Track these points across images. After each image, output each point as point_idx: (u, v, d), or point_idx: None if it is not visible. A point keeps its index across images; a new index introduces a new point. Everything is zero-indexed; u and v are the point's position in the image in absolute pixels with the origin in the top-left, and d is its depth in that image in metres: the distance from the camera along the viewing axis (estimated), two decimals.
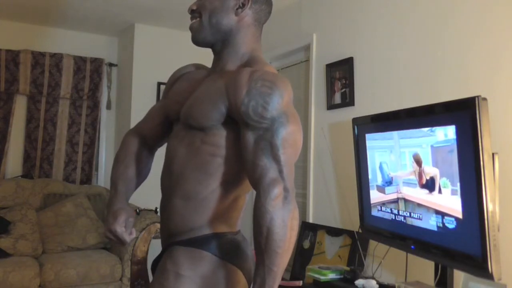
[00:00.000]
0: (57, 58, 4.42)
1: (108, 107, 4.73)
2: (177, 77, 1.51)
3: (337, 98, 3.19)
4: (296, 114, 1.22)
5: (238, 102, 1.19)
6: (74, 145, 4.51)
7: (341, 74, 3.16)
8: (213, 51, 1.38)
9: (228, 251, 1.27)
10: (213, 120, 1.24)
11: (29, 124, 4.35)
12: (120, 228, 1.32)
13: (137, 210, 3.72)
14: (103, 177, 4.72)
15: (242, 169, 1.23)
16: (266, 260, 1.11)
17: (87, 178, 4.56)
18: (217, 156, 1.26)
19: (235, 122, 1.23)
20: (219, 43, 1.34)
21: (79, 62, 4.52)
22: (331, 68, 3.24)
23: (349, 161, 2.90)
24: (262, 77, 1.19)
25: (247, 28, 1.33)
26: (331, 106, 3.24)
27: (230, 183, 1.28)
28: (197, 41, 1.35)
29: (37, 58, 4.34)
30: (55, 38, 4.50)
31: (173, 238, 1.31)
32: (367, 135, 2.43)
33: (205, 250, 1.25)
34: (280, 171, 1.15)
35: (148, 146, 1.55)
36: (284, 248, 1.11)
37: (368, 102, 2.94)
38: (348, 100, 3.09)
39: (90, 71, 4.57)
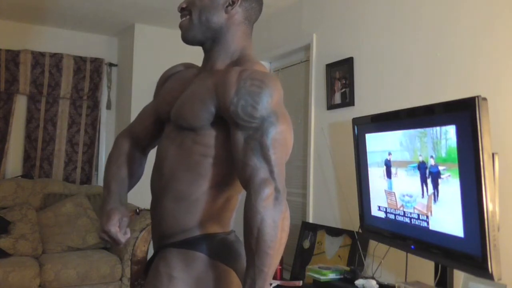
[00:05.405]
0: (57, 58, 4.43)
1: (108, 107, 4.73)
2: (167, 77, 1.50)
3: (337, 98, 3.19)
4: (286, 114, 1.21)
5: (227, 102, 1.18)
6: (74, 145, 4.51)
7: (341, 74, 3.16)
8: (203, 49, 1.37)
9: (221, 251, 1.27)
10: (203, 120, 1.23)
11: (29, 124, 4.35)
12: (114, 228, 1.30)
13: (137, 210, 3.72)
14: (103, 177, 4.71)
15: (234, 169, 1.22)
16: (257, 261, 1.10)
17: (87, 178, 4.56)
18: (208, 156, 1.25)
19: (226, 122, 1.21)
20: (209, 41, 1.33)
21: (79, 62, 4.52)
22: (331, 68, 3.24)
23: (349, 161, 2.90)
24: (251, 76, 1.18)
25: (237, 26, 1.32)
26: (331, 106, 3.24)
27: (222, 184, 1.27)
28: (187, 39, 1.34)
29: (37, 58, 4.34)
30: (55, 38, 4.50)
31: (165, 240, 1.30)
32: (367, 135, 2.43)
33: (198, 251, 1.24)
34: (271, 171, 1.13)
35: (140, 147, 1.54)
36: (275, 249, 1.10)
37: (368, 102, 2.94)
38: (348, 100, 3.09)
39: (90, 71, 4.58)
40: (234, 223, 1.37)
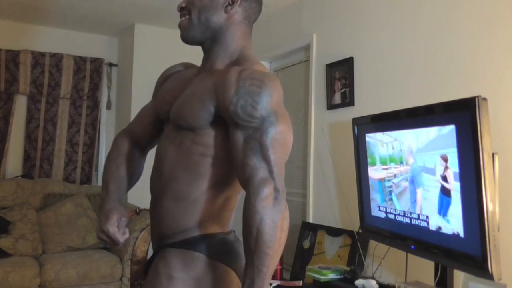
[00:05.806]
0: (57, 58, 4.43)
1: (108, 107, 4.73)
2: (166, 77, 1.50)
3: (337, 98, 3.19)
4: (286, 113, 1.20)
5: (226, 102, 1.17)
6: (74, 145, 4.51)
7: (341, 74, 3.16)
8: (203, 49, 1.37)
9: (220, 251, 1.26)
10: (202, 120, 1.23)
11: (29, 124, 4.35)
12: (112, 228, 1.29)
13: (137, 210, 3.72)
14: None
15: (233, 169, 1.22)
16: (256, 260, 1.10)
17: (87, 178, 4.56)
18: (208, 156, 1.25)
19: (225, 122, 1.21)
20: (209, 41, 1.33)
21: (79, 62, 4.53)
22: (331, 68, 3.24)
23: (349, 161, 2.90)
24: (251, 75, 1.18)
25: (236, 25, 1.32)
26: (331, 106, 3.24)
27: (221, 184, 1.27)
28: (186, 39, 1.34)
29: (37, 58, 4.34)
30: (55, 38, 4.50)
31: (165, 240, 1.30)
32: (367, 135, 2.43)
33: (197, 251, 1.24)
34: (270, 171, 1.13)
35: (139, 147, 1.53)
36: (274, 249, 1.10)
37: (368, 102, 2.94)
38: (348, 100, 3.08)
39: (90, 71, 4.58)
40: (233, 223, 1.37)
